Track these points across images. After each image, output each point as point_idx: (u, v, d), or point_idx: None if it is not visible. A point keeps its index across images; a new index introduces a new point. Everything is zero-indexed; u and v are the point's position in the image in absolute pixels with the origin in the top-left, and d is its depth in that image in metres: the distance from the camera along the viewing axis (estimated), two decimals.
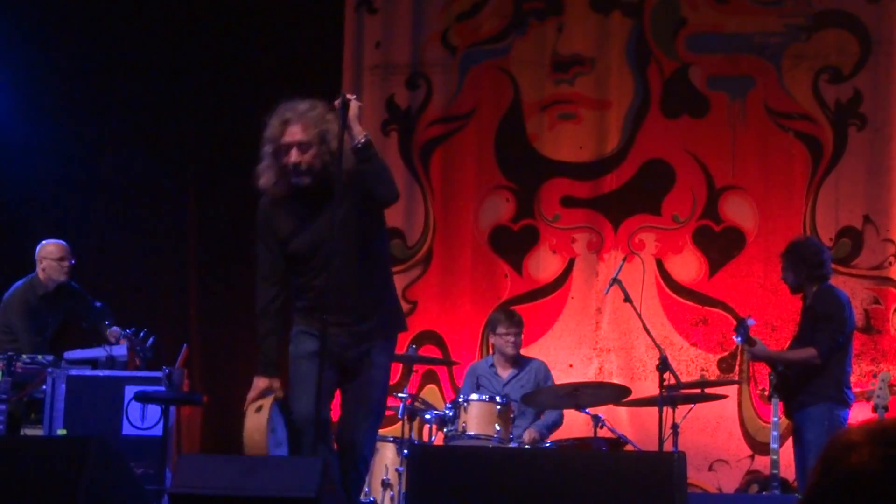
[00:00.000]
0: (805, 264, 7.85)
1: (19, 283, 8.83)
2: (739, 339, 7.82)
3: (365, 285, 5.64)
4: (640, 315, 8.12)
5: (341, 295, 5.52)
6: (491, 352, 8.93)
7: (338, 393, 5.79)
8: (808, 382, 7.68)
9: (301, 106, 5.65)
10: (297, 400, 5.57)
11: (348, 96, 5.51)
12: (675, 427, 7.77)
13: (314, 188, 5.56)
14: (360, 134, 5.48)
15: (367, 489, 7.85)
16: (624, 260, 8.71)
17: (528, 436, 8.25)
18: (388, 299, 5.87)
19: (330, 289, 5.46)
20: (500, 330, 8.63)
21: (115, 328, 8.62)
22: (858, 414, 8.55)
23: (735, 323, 8.25)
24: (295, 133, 5.56)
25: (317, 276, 5.55)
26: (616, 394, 8.19)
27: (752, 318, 7.99)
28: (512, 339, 8.59)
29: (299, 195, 5.63)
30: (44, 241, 8.89)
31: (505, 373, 8.64)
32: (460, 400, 7.95)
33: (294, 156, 5.55)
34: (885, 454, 2.13)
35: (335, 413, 5.84)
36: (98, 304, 8.90)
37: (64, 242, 8.88)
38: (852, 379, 8.05)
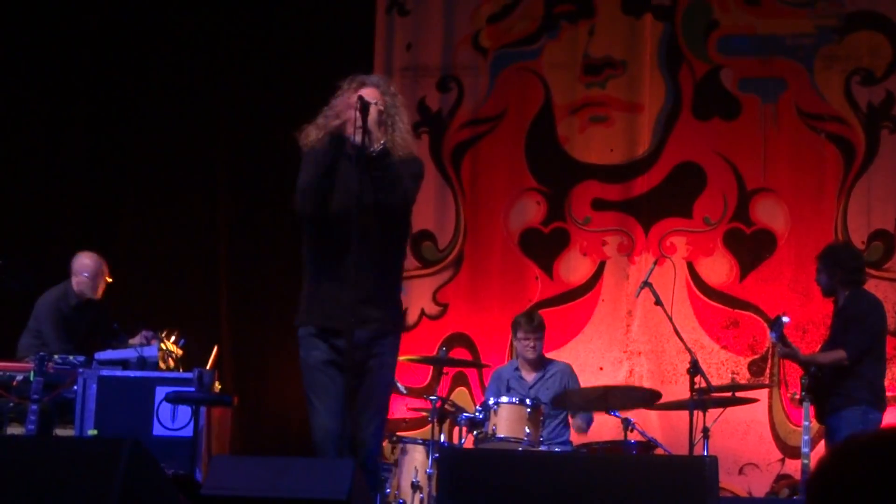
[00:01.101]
0: (840, 268, 7.83)
1: (52, 290, 8.84)
2: (774, 335, 7.79)
3: (380, 279, 5.62)
4: (670, 318, 8.10)
5: (362, 280, 5.48)
6: (516, 354, 8.92)
7: None
8: (842, 385, 7.65)
9: (378, 77, 5.82)
10: (316, 415, 5.55)
11: (368, 100, 5.48)
12: (705, 431, 7.74)
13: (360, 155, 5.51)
14: (377, 140, 5.46)
15: (396, 492, 7.87)
16: (655, 263, 8.71)
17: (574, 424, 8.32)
18: (399, 297, 5.87)
19: (354, 268, 5.42)
20: (520, 335, 8.62)
21: (146, 330, 8.65)
22: (890, 417, 8.52)
23: (766, 326, 8.23)
24: (370, 93, 5.56)
25: (342, 249, 5.48)
26: (646, 397, 8.17)
27: (787, 315, 7.95)
28: (531, 343, 8.57)
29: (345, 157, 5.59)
30: (80, 254, 8.85)
31: (530, 376, 8.64)
32: (490, 402, 7.95)
33: (368, 94, 5.55)
34: (890, 466, 2.12)
35: None
36: (115, 325, 8.92)
37: (99, 257, 8.83)
38: (884, 382, 8.01)
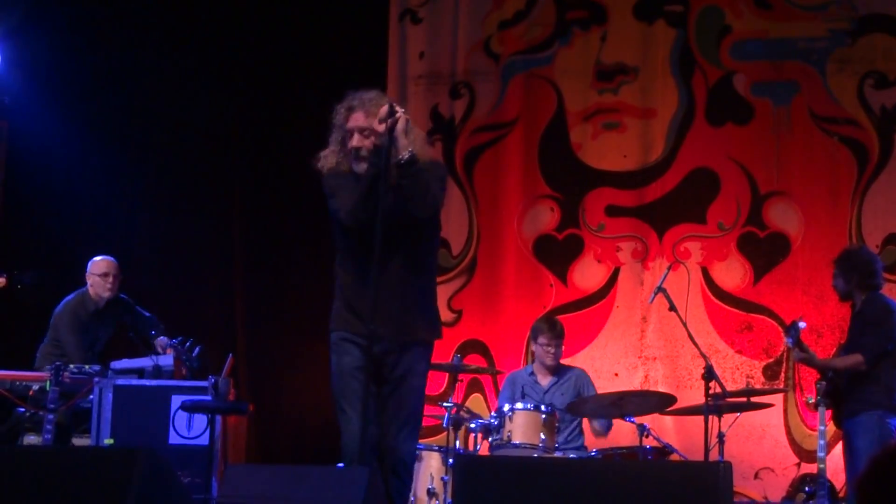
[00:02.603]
0: (856, 272, 7.81)
1: (70, 297, 8.89)
2: (790, 340, 7.77)
3: (411, 285, 5.64)
4: (685, 324, 8.09)
5: (388, 293, 5.51)
6: (532, 359, 8.92)
7: None
8: (859, 390, 7.64)
9: (367, 94, 5.76)
10: (347, 421, 5.55)
11: (396, 109, 5.51)
12: (720, 436, 7.74)
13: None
14: (405, 149, 5.48)
15: (412, 498, 7.87)
16: (669, 269, 8.70)
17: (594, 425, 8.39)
18: (431, 305, 5.88)
19: (377, 282, 5.45)
20: (542, 340, 8.63)
21: (162, 338, 8.68)
22: None
23: (781, 330, 8.22)
24: (358, 119, 5.63)
25: (365, 262, 5.50)
26: (661, 402, 8.16)
27: (803, 320, 7.94)
28: (552, 350, 8.59)
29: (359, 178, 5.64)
30: (93, 259, 8.95)
31: (545, 381, 8.65)
32: (505, 409, 7.95)
33: (356, 140, 5.61)
34: None
35: None
36: (147, 314, 8.98)
37: (112, 259, 8.93)
38: None
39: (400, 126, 5.47)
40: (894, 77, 9.62)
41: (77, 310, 8.80)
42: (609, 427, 8.50)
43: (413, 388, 5.70)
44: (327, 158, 5.74)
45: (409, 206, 5.50)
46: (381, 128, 5.47)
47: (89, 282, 8.89)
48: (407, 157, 5.47)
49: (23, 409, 8.06)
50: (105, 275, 8.86)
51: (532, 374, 8.72)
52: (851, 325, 7.97)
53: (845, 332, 8.33)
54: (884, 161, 9.56)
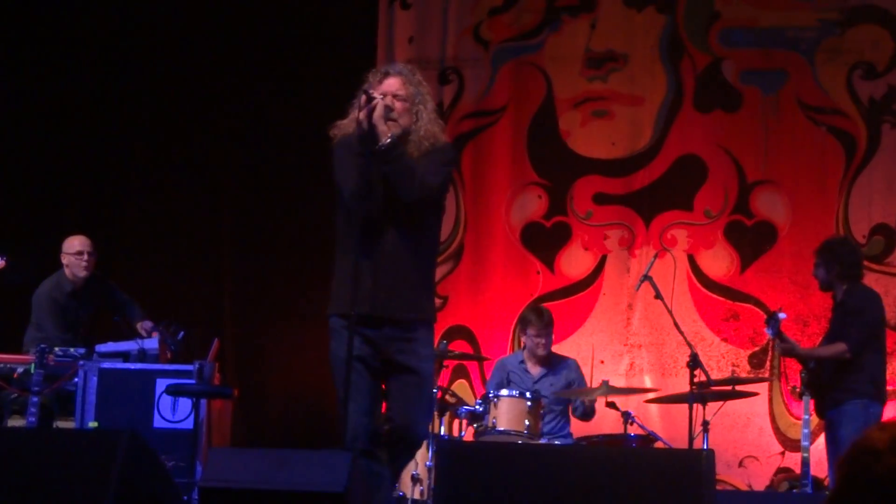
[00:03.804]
0: (837, 263, 7.83)
1: (46, 280, 8.86)
2: (771, 332, 7.79)
3: (417, 266, 5.62)
4: (670, 312, 8.11)
5: (395, 271, 5.50)
6: (521, 346, 8.91)
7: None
8: (843, 379, 7.65)
9: (403, 66, 5.80)
10: (346, 411, 5.50)
11: (373, 95, 5.49)
12: (705, 424, 7.75)
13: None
14: (384, 135, 5.46)
15: (396, 484, 7.87)
16: (655, 257, 8.73)
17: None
18: (433, 287, 5.86)
19: (384, 260, 5.45)
20: (531, 332, 8.62)
21: (146, 322, 8.67)
22: (890, 412, 8.52)
23: (766, 317, 8.22)
24: (392, 84, 5.59)
25: (367, 240, 5.49)
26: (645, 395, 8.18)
27: (783, 311, 7.95)
28: (543, 340, 8.58)
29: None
30: (68, 238, 8.90)
31: (535, 370, 8.64)
32: (490, 395, 7.96)
33: (388, 100, 5.55)
34: None
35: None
36: (124, 296, 8.95)
37: (84, 237, 8.87)
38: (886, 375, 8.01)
39: (378, 112, 5.45)
40: (883, 68, 9.63)
41: (53, 292, 8.76)
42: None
43: (424, 375, 5.62)
44: (345, 126, 5.69)
45: (395, 191, 5.48)
46: (362, 115, 5.44)
47: (64, 262, 8.80)
48: (388, 142, 5.45)
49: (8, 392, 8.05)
50: (79, 253, 8.78)
51: (522, 362, 8.70)
52: (833, 315, 7.98)
53: None
54: (871, 151, 9.56)
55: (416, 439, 5.66)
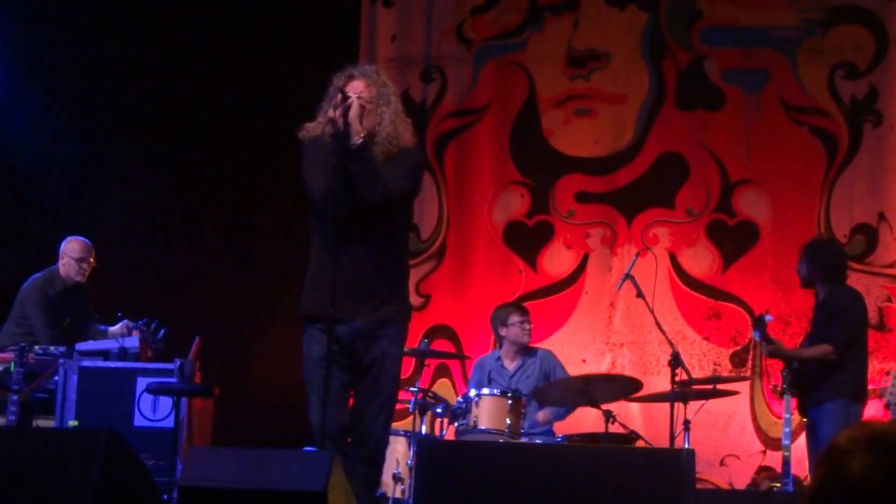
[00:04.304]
0: (821, 263, 7.82)
1: (38, 274, 8.82)
2: (758, 335, 7.79)
3: (384, 267, 5.62)
4: (652, 311, 8.11)
5: (362, 272, 5.50)
6: (499, 345, 8.90)
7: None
8: (825, 378, 7.65)
9: (368, 67, 5.80)
10: (315, 411, 5.47)
11: (349, 94, 5.49)
12: (686, 423, 7.76)
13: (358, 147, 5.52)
14: (357, 134, 5.46)
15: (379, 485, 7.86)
16: (637, 256, 8.71)
17: (542, 416, 8.33)
18: (403, 288, 5.86)
19: (351, 261, 5.45)
20: (514, 319, 8.64)
21: (125, 320, 8.64)
22: (871, 411, 8.53)
23: (748, 318, 8.24)
24: (358, 87, 5.59)
25: (336, 241, 5.46)
26: (627, 387, 8.13)
27: (769, 314, 7.96)
28: (527, 325, 8.65)
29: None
30: (70, 238, 8.84)
31: (511, 365, 8.67)
32: (471, 394, 7.96)
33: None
34: (885, 462, 2.13)
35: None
36: (95, 315, 8.93)
37: (88, 242, 8.84)
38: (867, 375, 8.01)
39: (353, 112, 5.45)
40: (864, 68, 9.65)
41: (45, 287, 8.73)
42: (562, 416, 8.53)
43: (389, 373, 5.67)
44: (312, 128, 5.69)
45: (359, 192, 5.47)
46: (337, 114, 5.44)
47: (62, 261, 8.78)
48: (359, 142, 5.45)
49: None
50: (81, 259, 8.75)
51: (499, 359, 8.73)
52: (815, 314, 7.98)
53: None
54: (853, 151, 9.59)
55: (378, 444, 5.65)
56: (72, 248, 8.80)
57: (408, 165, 5.66)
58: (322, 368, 5.40)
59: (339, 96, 5.45)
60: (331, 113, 5.48)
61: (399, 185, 5.57)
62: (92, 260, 8.83)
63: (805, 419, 7.91)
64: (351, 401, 5.71)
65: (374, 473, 5.71)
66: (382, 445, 5.74)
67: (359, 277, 5.53)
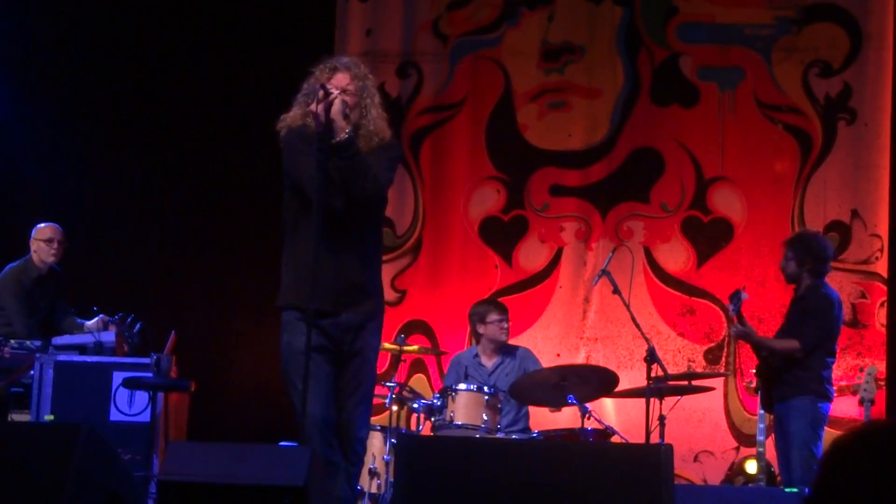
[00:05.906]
0: (811, 256, 7.78)
1: (13, 264, 8.83)
2: (733, 308, 7.76)
3: (367, 260, 5.64)
4: (628, 307, 8.11)
5: (348, 265, 5.52)
6: (476, 342, 8.89)
7: None
8: (791, 375, 7.64)
9: (349, 59, 5.82)
10: (303, 402, 5.47)
11: (331, 90, 5.48)
12: (661, 419, 7.78)
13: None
14: (341, 130, 5.46)
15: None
16: (613, 251, 8.72)
17: None
18: (379, 281, 5.88)
19: (336, 253, 5.46)
20: (493, 317, 8.63)
21: (101, 315, 8.63)
22: (845, 407, 8.58)
23: (723, 315, 8.25)
24: (342, 80, 5.58)
25: (320, 234, 5.45)
26: (602, 381, 8.09)
27: (746, 291, 7.93)
28: (505, 324, 8.63)
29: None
30: (39, 224, 8.88)
31: (489, 362, 8.66)
32: (448, 389, 7.96)
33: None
34: (886, 462, 2.14)
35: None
36: (65, 301, 8.92)
37: (57, 225, 8.87)
38: (838, 373, 8.04)
39: (336, 108, 5.44)
40: (838, 66, 9.69)
41: (20, 276, 8.73)
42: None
43: (369, 365, 5.70)
44: (291, 119, 5.68)
45: (347, 187, 5.47)
46: (319, 108, 5.43)
47: (33, 247, 8.81)
48: (344, 138, 5.44)
49: None
50: (49, 240, 8.79)
51: (476, 356, 8.72)
52: (790, 308, 7.96)
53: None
54: (827, 149, 9.63)
55: (359, 437, 5.66)
56: (41, 232, 8.83)
57: (390, 157, 5.69)
58: (311, 360, 5.39)
59: (322, 91, 5.44)
60: (313, 107, 5.47)
61: (386, 176, 5.60)
62: (62, 240, 8.83)
63: (771, 414, 7.90)
64: None
65: (354, 471, 5.72)
66: (364, 437, 5.75)
67: (345, 271, 5.54)
